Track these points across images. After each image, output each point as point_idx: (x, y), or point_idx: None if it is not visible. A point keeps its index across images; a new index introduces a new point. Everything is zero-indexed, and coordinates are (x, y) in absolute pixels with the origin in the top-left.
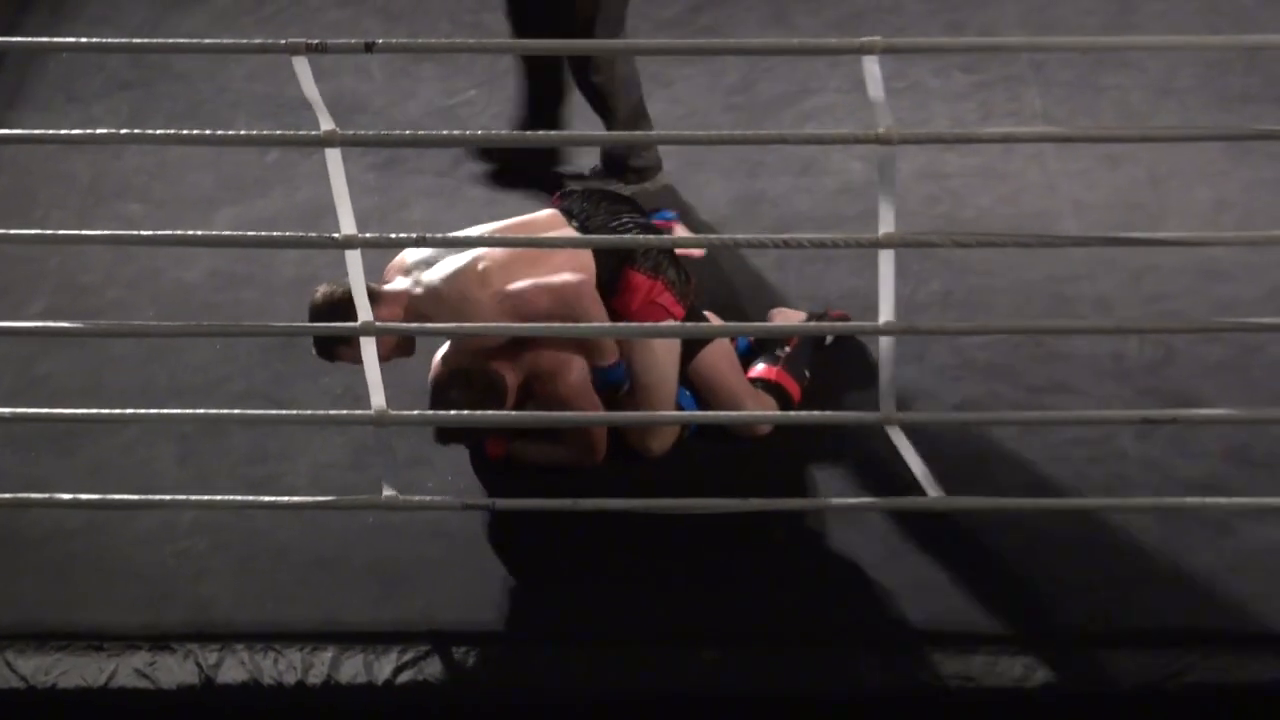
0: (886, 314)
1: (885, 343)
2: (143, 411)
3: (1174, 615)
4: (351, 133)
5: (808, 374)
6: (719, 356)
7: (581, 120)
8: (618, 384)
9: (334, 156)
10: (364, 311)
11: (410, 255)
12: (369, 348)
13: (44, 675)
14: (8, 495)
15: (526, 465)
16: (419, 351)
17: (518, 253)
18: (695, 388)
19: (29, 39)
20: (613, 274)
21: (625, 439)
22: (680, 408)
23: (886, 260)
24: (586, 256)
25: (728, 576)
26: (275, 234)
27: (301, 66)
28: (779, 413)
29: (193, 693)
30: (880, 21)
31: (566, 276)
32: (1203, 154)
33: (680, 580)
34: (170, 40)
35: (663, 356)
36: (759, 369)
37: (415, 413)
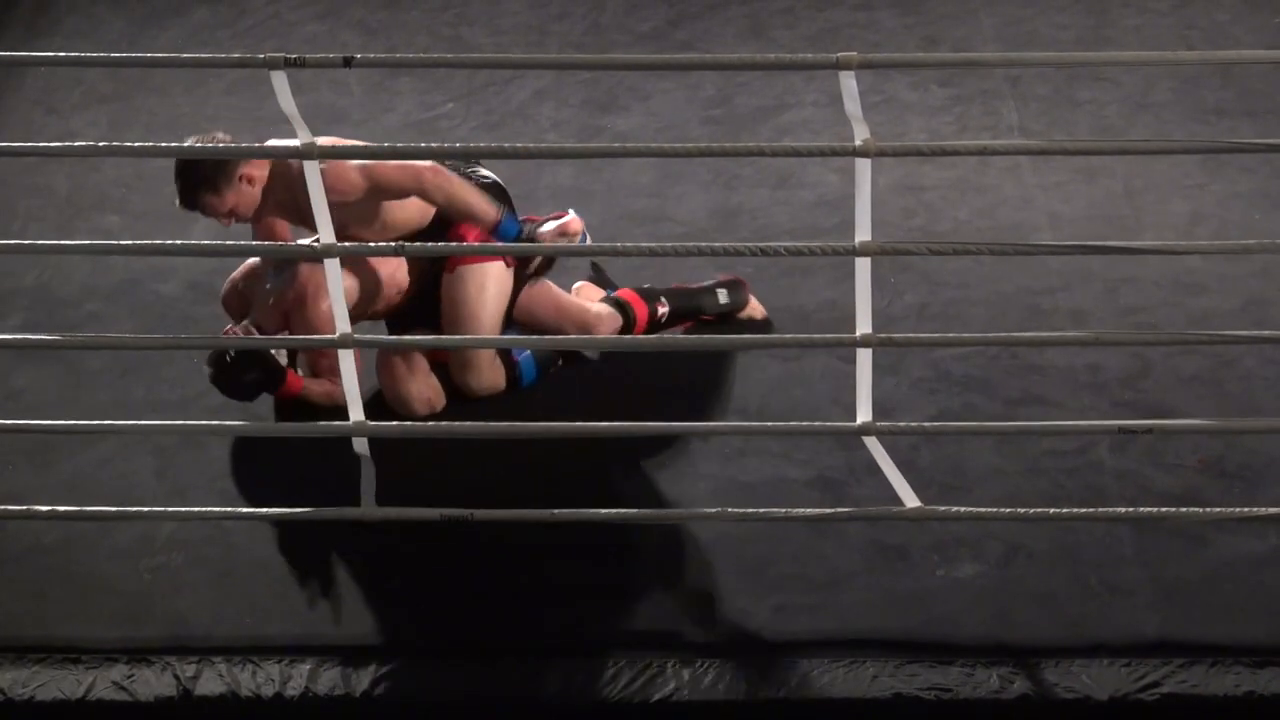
0: (863, 325)
1: (862, 354)
2: (120, 424)
3: (1150, 626)
4: (329, 145)
5: (663, 310)
6: (539, 291)
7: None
8: (517, 236)
9: (311, 169)
10: (342, 322)
11: None
12: (347, 360)
13: (21, 688)
14: None
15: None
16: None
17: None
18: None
19: (8, 53)
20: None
21: (449, 377)
22: (514, 359)
23: (863, 270)
24: None
25: (701, 587)
26: (254, 243)
27: (279, 80)
28: (617, 337)
29: (170, 705)
30: (856, 36)
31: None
32: (1178, 167)
33: (657, 590)
34: (149, 54)
35: (483, 294)
36: (615, 290)
37: (394, 423)
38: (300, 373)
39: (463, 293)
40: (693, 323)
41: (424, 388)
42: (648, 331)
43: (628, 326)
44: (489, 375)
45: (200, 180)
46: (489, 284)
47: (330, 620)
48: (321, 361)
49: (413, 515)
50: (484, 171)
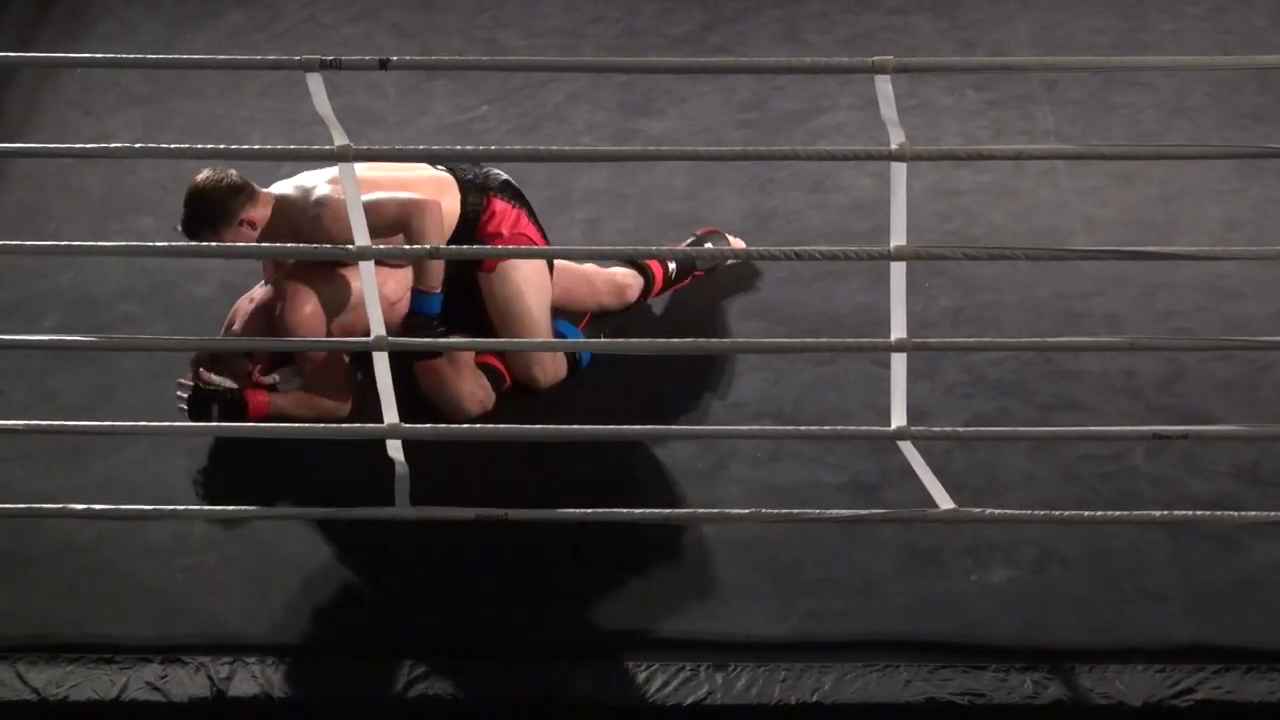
0: (898, 330)
1: (897, 358)
2: (154, 425)
3: (1184, 632)
4: (365, 147)
5: (672, 266)
6: (569, 269)
7: None
8: (432, 316)
9: (347, 171)
10: (377, 325)
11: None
12: (381, 363)
13: (55, 688)
14: (20, 506)
15: (287, 418)
16: None
17: (384, 174)
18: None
19: (46, 55)
20: (476, 205)
21: (513, 374)
22: (561, 337)
23: (898, 275)
24: (450, 185)
25: (734, 590)
26: (288, 245)
27: (315, 83)
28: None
29: (204, 705)
30: (891, 40)
31: (413, 195)
32: (1214, 172)
33: (690, 593)
34: (185, 56)
35: (528, 287)
36: None
37: (427, 425)
38: (273, 380)
39: (509, 290)
40: (690, 279)
41: (475, 387)
42: (663, 289)
43: (649, 284)
44: (552, 366)
45: (200, 218)
46: (531, 275)
47: (365, 621)
48: (306, 366)
49: (446, 515)
50: (496, 170)
